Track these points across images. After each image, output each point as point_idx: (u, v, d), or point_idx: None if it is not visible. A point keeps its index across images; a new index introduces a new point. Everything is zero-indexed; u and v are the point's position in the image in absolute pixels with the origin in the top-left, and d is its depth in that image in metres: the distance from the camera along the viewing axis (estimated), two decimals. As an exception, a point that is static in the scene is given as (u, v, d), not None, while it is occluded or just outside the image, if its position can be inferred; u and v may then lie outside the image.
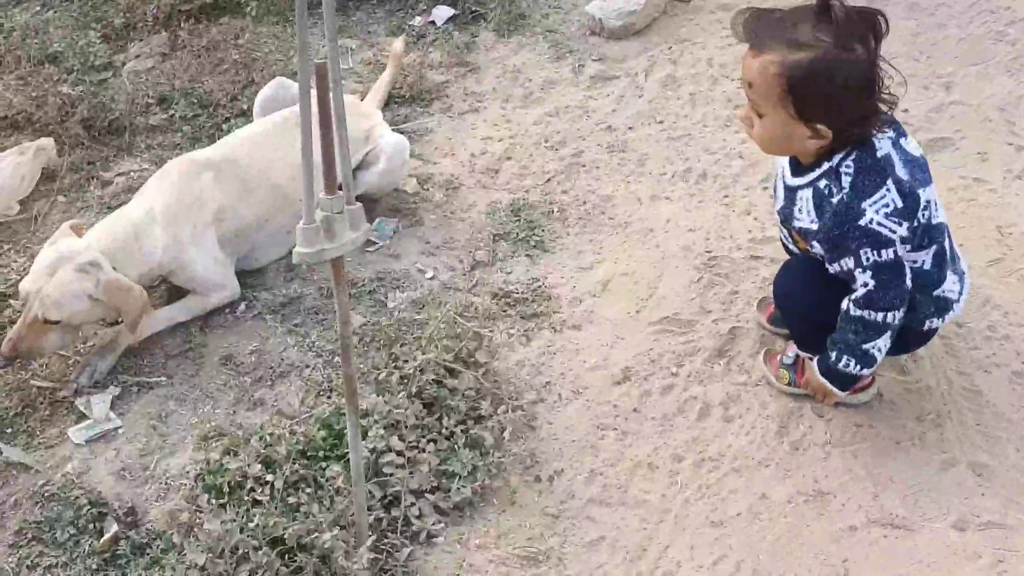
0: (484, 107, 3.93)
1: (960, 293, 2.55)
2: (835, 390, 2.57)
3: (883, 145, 2.32)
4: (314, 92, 2.01)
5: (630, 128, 3.79)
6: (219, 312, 3.13)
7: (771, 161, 3.55)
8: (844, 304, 2.41)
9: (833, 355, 2.48)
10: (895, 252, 2.31)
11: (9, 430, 2.80)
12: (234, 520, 2.38)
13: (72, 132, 3.72)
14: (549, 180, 3.58)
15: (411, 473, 2.52)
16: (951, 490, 2.56)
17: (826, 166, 2.34)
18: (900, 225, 2.29)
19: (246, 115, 3.79)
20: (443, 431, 2.64)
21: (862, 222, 2.28)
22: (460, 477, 2.55)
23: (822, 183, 2.35)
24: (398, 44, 3.93)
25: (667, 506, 2.56)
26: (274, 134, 3.23)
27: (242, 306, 3.15)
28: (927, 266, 2.45)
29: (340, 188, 2.08)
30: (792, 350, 2.80)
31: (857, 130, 2.28)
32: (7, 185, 3.46)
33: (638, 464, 2.65)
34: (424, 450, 2.57)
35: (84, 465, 2.71)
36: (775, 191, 2.59)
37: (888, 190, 2.29)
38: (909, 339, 2.56)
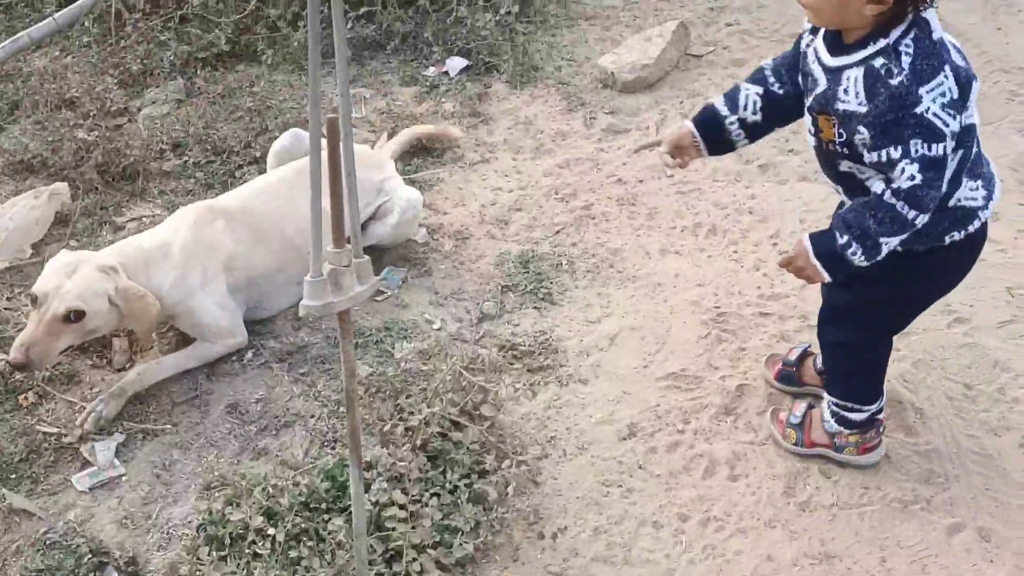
0: (495, 158, 3.95)
1: (988, 199, 2.36)
2: (824, 272, 2.31)
3: (937, 27, 2.14)
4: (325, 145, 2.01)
5: (640, 181, 3.80)
6: (226, 360, 3.13)
7: (772, 176, 3.56)
8: (877, 188, 2.19)
9: (844, 238, 2.24)
10: (944, 148, 2.12)
11: (13, 476, 2.80)
12: (234, 573, 2.37)
13: (86, 177, 3.75)
14: (559, 232, 3.58)
15: (413, 527, 2.50)
16: (959, 556, 2.53)
17: (882, 43, 2.12)
18: (954, 119, 2.12)
19: (259, 162, 3.81)
20: (447, 485, 2.62)
21: (918, 110, 2.09)
22: (463, 532, 2.52)
23: (878, 62, 2.12)
24: (455, 131, 3.96)
25: (672, 566, 2.53)
26: (288, 185, 3.24)
27: (249, 354, 3.15)
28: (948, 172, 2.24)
29: (349, 241, 2.08)
30: (799, 409, 2.78)
31: None
32: (20, 228, 3.49)
33: (643, 522, 2.62)
34: (427, 504, 2.55)
35: (87, 512, 2.70)
36: (803, 79, 2.35)
37: (946, 77, 2.11)
38: (937, 260, 2.38)
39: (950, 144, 2.12)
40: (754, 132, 2.51)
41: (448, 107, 4.17)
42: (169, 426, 2.94)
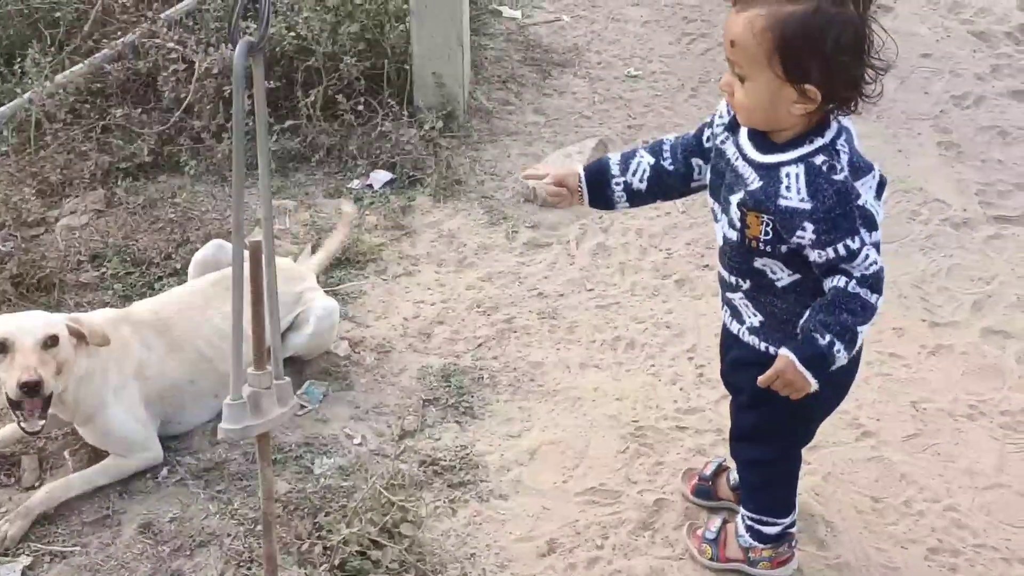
0: (418, 270, 3.99)
1: None
2: (813, 381, 2.27)
3: (857, 136, 2.25)
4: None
5: (561, 295, 3.86)
6: (139, 476, 3.08)
7: (688, 287, 3.64)
8: (839, 283, 2.22)
9: (826, 338, 2.22)
10: (878, 234, 2.22)
11: (-87, 599, 2.72)
12: None
13: (0, 288, 3.70)
14: (480, 345, 3.61)
15: (330, 650, 2.47)
16: (874, 671, 2.56)
17: (820, 142, 2.19)
18: (880, 210, 2.23)
19: (179, 274, 3.81)
20: (364, 606, 2.60)
21: (860, 202, 2.18)
22: (381, 655, 2.50)
23: (818, 159, 2.18)
24: (347, 206, 4.01)
25: None
26: (203, 296, 3.25)
27: (164, 471, 3.10)
28: None
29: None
30: (715, 524, 2.82)
31: (847, 94, 2.16)
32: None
33: (562, 641, 2.62)
34: (345, 626, 2.53)
35: (-10, 638, 2.63)
36: (714, 174, 2.39)
37: (873, 177, 2.24)
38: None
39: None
40: (634, 199, 2.53)
41: (372, 220, 4.22)
42: (78, 548, 2.87)
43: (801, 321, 2.30)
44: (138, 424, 3.04)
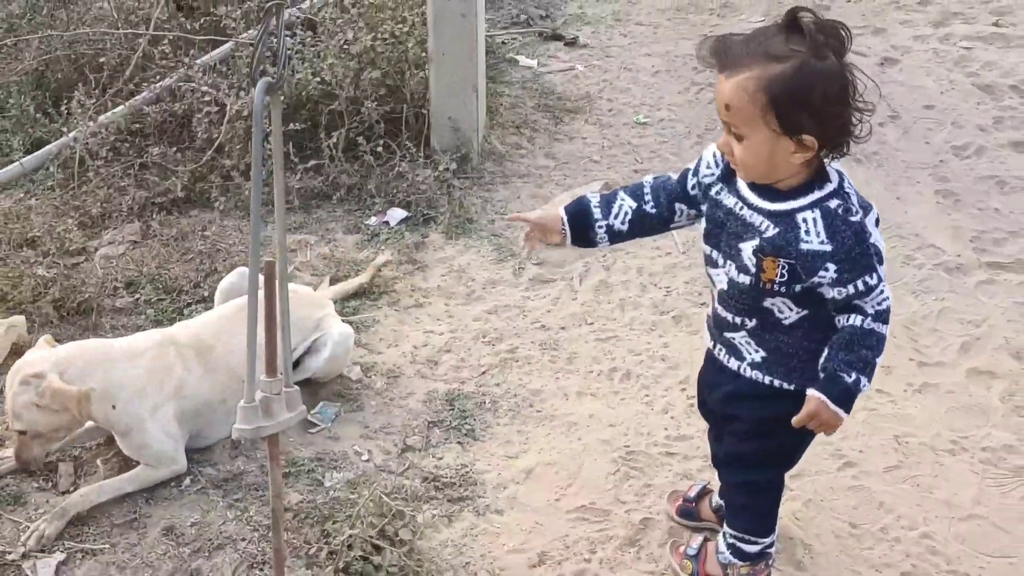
0: (429, 303, 4.24)
1: None
2: (844, 415, 2.44)
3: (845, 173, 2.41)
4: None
5: (563, 328, 4.09)
6: (164, 485, 3.32)
7: (687, 359, 3.85)
8: (855, 321, 2.40)
9: (852, 376, 2.40)
10: (884, 268, 2.39)
11: (-46, 591, 2.96)
12: None
13: (43, 311, 3.98)
14: (484, 373, 3.85)
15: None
16: None
17: (830, 187, 2.35)
18: (882, 243, 2.39)
19: (207, 301, 4.07)
20: (364, 606, 2.82)
21: (871, 240, 2.34)
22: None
23: (833, 203, 2.33)
24: (383, 258, 4.27)
25: None
26: (237, 320, 3.50)
27: (187, 480, 3.34)
28: None
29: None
30: (696, 542, 3.01)
31: (840, 138, 2.30)
32: (-23, 358, 3.70)
33: (548, 644, 2.83)
34: (347, 622, 2.75)
35: (25, 627, 2.87)
36: (713, 224, 2.52)
37: (873, 212, 2.41)
38: None
39: None
40: (615, 238, 2.67)
41: (387, 255, 4.47)
42: (108, 546, 3.11)
43: (822, 361, 2.47)
44: (170, 439, 3.29)
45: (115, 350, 3.31)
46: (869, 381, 2.43)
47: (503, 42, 6.47)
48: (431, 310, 4.20)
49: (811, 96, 2.21)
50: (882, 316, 2.40)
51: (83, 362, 3.21)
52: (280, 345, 2.33)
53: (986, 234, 4.76)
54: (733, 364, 2.65)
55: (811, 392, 2.46)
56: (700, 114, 5.80)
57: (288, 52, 2.27)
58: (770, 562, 2.95)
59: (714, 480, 3.21)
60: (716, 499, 3.12)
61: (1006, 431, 3.60)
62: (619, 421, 3.61)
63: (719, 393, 2.76)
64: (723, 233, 2.51)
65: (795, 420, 2.49)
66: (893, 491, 3.35)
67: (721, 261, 2.54)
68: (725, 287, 2.56)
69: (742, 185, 2.45)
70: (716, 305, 2.65)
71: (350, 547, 2.92)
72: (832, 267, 2.33)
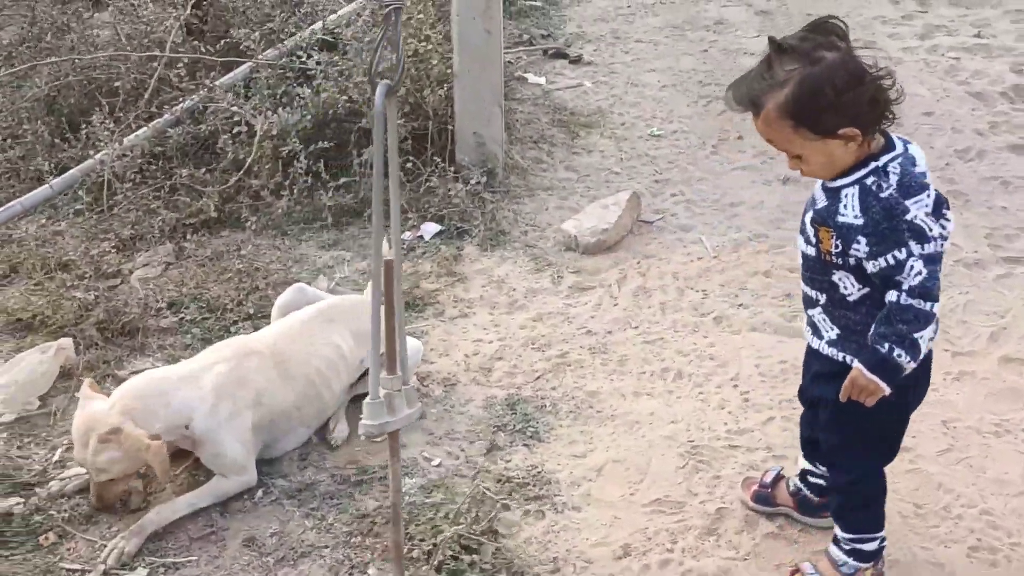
0: (473, 312, 4.28)
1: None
2: (884, 385, 2.54)
3: (923, 164, 2.51)
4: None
5: (609, 332, 4.15)
6: (237, 498, 3.32)
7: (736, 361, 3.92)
8: (892, 297, 2.46)
9: (885, 347, 2.49)
10: (935, 247, 2.42)
11: (41, 612, 2.95)
12: None
13: (86, 334, 3.97)
14: (538, 378, 3.89)
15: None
16: (932, 653, 2.80)
17: (873, 165, 2.45)
18: (936, 224, 2.43)
19: (252, 318, 4.09)
20: (462, 603, 2.84)
21: (908, 216, 2.40)
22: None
23: (869, 180, 2.44)
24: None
25: (674, 670, 2.76)
26: (311, 328, 3.53)
27: (259, 492, 3.35)
28: None
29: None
30: (808, 568, 2.97)
31: (874, 113, 2.40)
32: (28, 382, 3.69)
33: (645, 632, 2.87)
34: (450, 620, 2.77)
35: (119, 641, 2.86)
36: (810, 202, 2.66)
37: (928, 196, 2.44)
38: (922, 367, 2.65)
39: (939, 243, 2.44)
40: None
41: (426, 267, 4.51)
42: (190, 560, 3.11)
43: (869, 334, 2.56)
44: (244, 448, 3.29)
45: (172, 378, 3.30)
46: (908, 354, 2.49)
47: (510, 61, 6.55)
48: (476, 320, 4.24)
49: (824, 99, 2.35)
50: (916, 291, 2.44)
51: (143, 403, 3.19)
52: (398, 343, 2.36)
53: (998, 231, 4.89)
54: (815, 343, 2.75)
55: (854, 362, 2.59)
56: (711, 125, 5.91)
57: (405, 59, 2.32)
58: (884, 557, 2.98)
59: (787, 467, 3.29)
60: (793, 483, 3.18)
61: (1043, 413, 3.71)
62: (679, 418, 3.66)
63: (810, 375, 2.86)
64: (806, 209, 2.66)
65: (841, 394, 2.61)
66: (948, 472, 3.42)
67: (799, 236, 2.70)
68: (801, 260, 2.71)
69: None
70: (802, 283, 2.77)
71: (436, 546, 2.95)
72: (863, 240, 2.44)
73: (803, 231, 2.65)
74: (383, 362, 2.35)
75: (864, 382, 2.55)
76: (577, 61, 6.74)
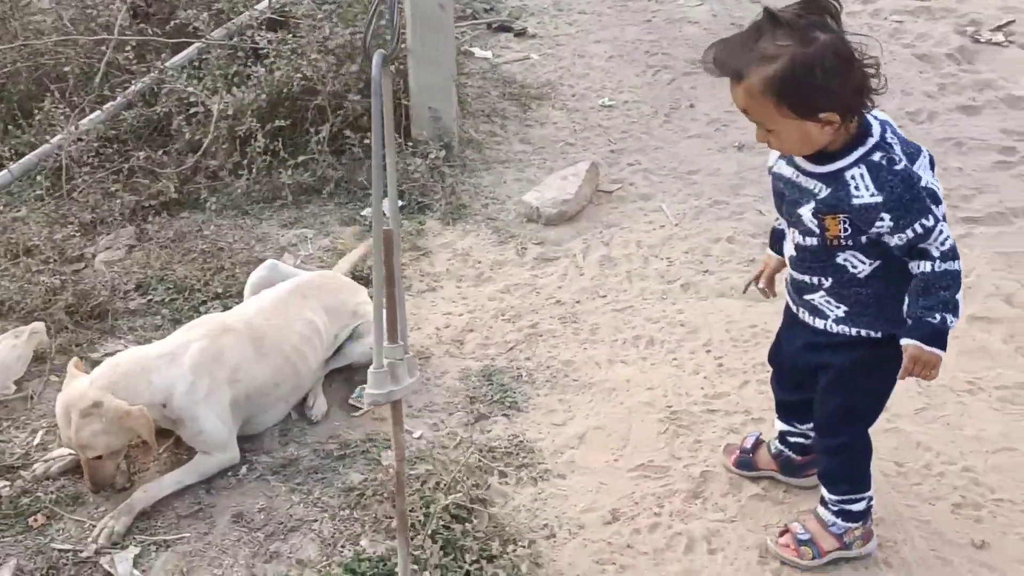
0: (441, 286, 4.29)
1: None
2: (942, 352, 2.56)
3: (894, 125, 2.53)
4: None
5: (577, 302, 4.18)
6: (222, 475, 3.30)
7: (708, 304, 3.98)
8: (926, 268, 2.49)
9: (938, 317, 2.51)
10: (943, 206, 2.47)
11: (36, 593, 2.92)
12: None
13: (56, 318, 3.91)
14: (511, 348, 3.91)
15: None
16: (920, 606, 2.88)
17: (871, 141, 2.44)
18: (938, 184, 2.48)
19: (221, 298, 4.06)
20: (459, 570, 2.86)
21: (923, 183, 2.43)
22: (482, 611, 2.76)
23: (876, 156, 2.43)
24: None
25: (670, 629, 2.82)
26: (285, 302, 3.53)
27: (243, 469, 3.34)
28: None
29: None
30: (798, 528, 3.01)
31: (857, 101, 2.38)
32: (3, 366, 3.63)
33: (640, 594, 2.92)
34: (446, 588, 2.79)
35: (115, 622, 2.84)
36: (778, 197, 2.68)
37: (924, 156, 2.50)
38: None
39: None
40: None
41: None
42: (180, 537, 3.10)
43: (905, 310, 2.57)
44: (225, 425, 3.28)
45: (151, 356, 3.27)
46: (956, 316, 2.54)
47: (455, 36, 6.52)
48: (444, 293, 4.25)
49: (812, 81, 2.32)
50: (948, 255, 2.49)
51: (126, 379, 3.18)
52: (399, 312, 2.37)
53: (955, 191, 4.97)
54: (819, 323, 2.75)
55: (905, 342, 2.57)
56: (661, 94, 5.96)
57: (400, 25, 2.32)
58: (872, 516, 3.03)
59: (767, 432, 3.35)
60: (775, 446, 3.24)
61: (1014, 370, 3.79)
62: (655, 384, 3.71)
63: (803, 343, 2.84)
64: (783, 203, 2.66)
65: (900, 373, 2.62)
66: (926, 431, 3.50)
67: (787, 229, 2.71)
68: (794, 253, 2.70)
69: (794, 156, 2.58)
70: (790, 271, 2.78)
71: (428, 515, 2.97)
72: (887, 216, 2.43)
73: (796, 224, 2.61)
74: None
75: (927, 357, 2.56)
76: (522, 34, 6.75)
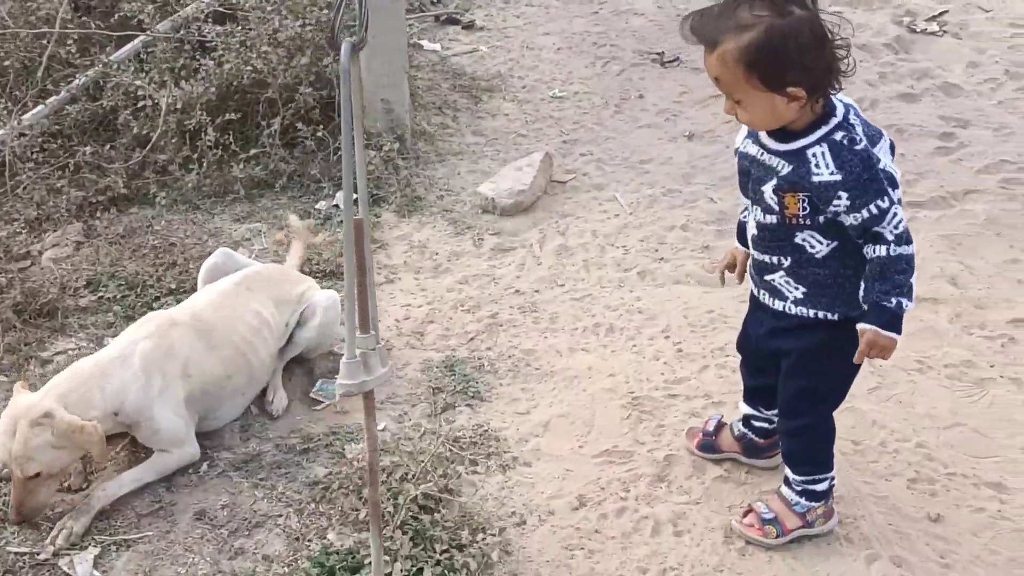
0: (399, 278, 4.26)
1: None
2: (897, 336, 2.60)
3: (858, 109, 2.56)
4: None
5: (536, 291, 4.18)
6: (182, 472, 3.26)
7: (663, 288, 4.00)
8: (880, 252, 2.52)
9: (893, 301, 2.55)
10: (901, 191, 2.53)
11: (-7, 597, 2.86)
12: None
13: (3, 316, 3.83)
14: (472, 339, 3.90)
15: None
16: (881, 580, 2.92)
17: (834, 121, 2.49)
18: (896, 169, 2.53)
19: (175, 293, 4.01)
20: (429, 560, 2.85)
21: (881, 165, 2.47)
22: (453, 600, 2.75)
23: (838, 135, 2.47)
24: (294, 221, 4.28)
25: (641, 612, 2.83)
26: (234, 296, 3.48)
27: (204, 465, 3.29)
28: None
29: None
30: (762, 507, 3.03)
31: (826, 79, 2.43)
32: (-50, 367, 3.55)
33: (608, 578, 2.92)
34: (418, 577, 2.78)
35: (76, 623, 2.79)
36: (744, 176, 2.70)
37: (884, 140, 2.53)
38: None
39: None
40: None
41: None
42: (141, 536, 3.05)
43: (861, 295, 2.61)
44: (180, 420, 3.23)
45: (102, 362, 3.19)
46: (910, 300, 2.59)
47: (404, 28, 6.51)
48: (402, 285, 4.23)
49: (785, 53, 2.36)
50: (902, 239, 2.53)
51: (79, 390, 3.09)
52: (370, 302, 2.35)
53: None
54: (778, 305, 2.78)
55: (861, 326, 2.62)
56: (611, 85, 5.98)
57: (368, 13, 2.30)
58: (833, 494, 3.06)
59: (728, 415, 3.37)
60: (738, 428, 3.26)
61: (960, 348, 3.85)
62: (616, 371, 3.71)
63: (765, 329, 2.87)
64: (749, 181, 2.68)
65: (856, 357, 2.66)
66: (880, 409, 3.54)
67: (751, 207, 2.72)
68: (755, 231, 2.73)
69: (763, 133, 2.61)
70: (752, 251, 2.80)
71: (397, 507, 2.95)
72: (844, 195, 2.47)
73: (759, 202, 2.64)
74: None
75: (884, 341, 2.61)
76: (470, 27, 6.73)
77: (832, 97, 2.52)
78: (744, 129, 2.69)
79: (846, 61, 2.47)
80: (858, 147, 2.47)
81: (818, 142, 2.50)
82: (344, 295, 2.32)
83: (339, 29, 2.26)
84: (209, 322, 3.39)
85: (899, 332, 2.62)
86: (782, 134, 2.55)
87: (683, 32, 2.48)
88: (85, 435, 2.98)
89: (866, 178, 2.46)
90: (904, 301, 2.57)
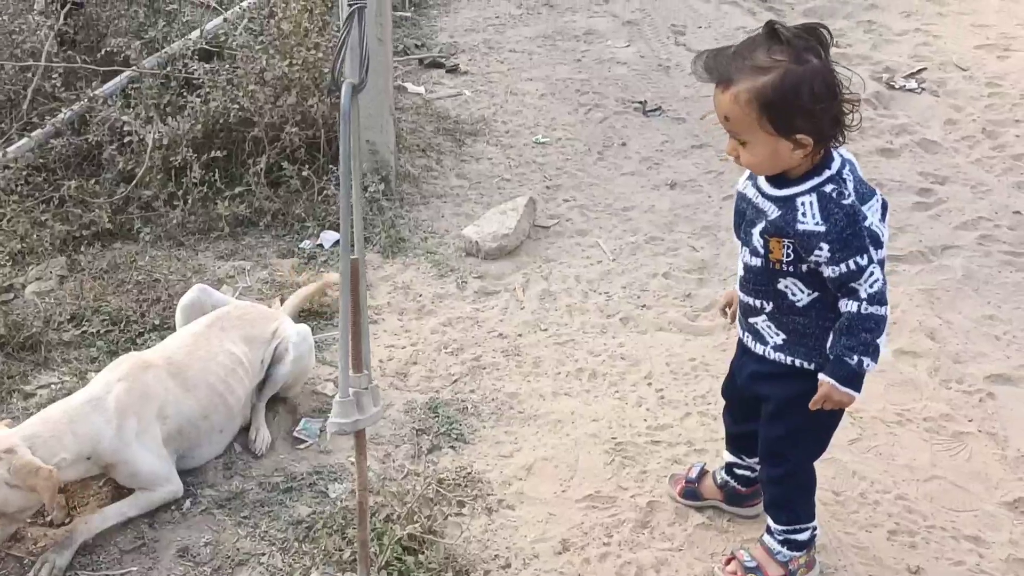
0: (382, 319, 4.27)
1: None
2: (855, 393, 2.63)
3: (859, 168, 2.60)
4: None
5: (519, 335, 4.20)
6: (165, 508, 3.24)
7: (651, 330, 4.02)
8: (852, 307, 2.56)
9: (855, 358, 2.58)
10: (884, 252, 2.56)
11: (-29, 633, 2.83)
12: None
13: (-14, 351, 3.83)
14: (456, 381, 3.91)
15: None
16: (864, 628, 2.94)
17: (828, 173, 2.52)
18: (885, 230, 2.56)
19: (158, 329, 4.00)
20: (413, 602, 2.85)
21: (866, 223, 2.51)
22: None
23: (828, 187, 2.51)
24: (334, 276, 4.27)
25: (624, 658, 2.83)
26: (205, 337, 3.48)
27: (187, 502, 3.28)
28: None
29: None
30: (744, 555, 3.05)
31: (832, 131, 2.48)
32: (-69, 398, 3.52)
33: (592, 623, 2.92)
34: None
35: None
36: (738, 216, 2.75)
37: (876, 200, 2.57)
38: None
39: (885, 248, 2.58)
40: None
41: (332, 276, 4.47)
42: (131, 569, 3.03)
43: (828, 345, 2.65)
44: (161, 460, 3.22)
45: (75, 404, 3.17)
46: (874, 360, 2.61)
47: (389, 71, 6.56)
48: (386, 326, 4.24)
49: (799, 99, 2.41)
50: (876, 298, 2.56)
51: (49, 432, 3.05)
52: (364, 342, 2.37)
53: (878, 231, 5.12)
54: (759, 349, 2.81)
55: (821, 376, 2.67)
56: (594, 132, 6.04)
57: (369, 55, 2.33)
58: (816, 544, 3.08)
59: (710, 462, 3.39)
60: (720, 476, 3.28)
61: (939, 402, 3.89)
62: (600, 416, 3.73)
63: (747, 372, 2.90)
64: (743, 222, 2.73)
65: (811, 403, 2.69)
66: (861, 460, 3.57)
67: (740, 248, 2.76)
68: (743, 272, 2.77)
69: (761, 177, 2.66)
70: (739, 293, 2.83)
71: (382, 548, 2.95)
72: (825, 246, 2.51)
73: (747, 243, 2.69)
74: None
75: (839, 396, 2.65)
76: (454, 71, 6.79)
77: (833, 150, 2.58)
78: (747, 171, 2.74)
79: (852, 116, 2.52)
80: (845, 201, 2.51)
81: (808, 192, 2.54)
82: (339, 334, 2.32)
83: (339, 71, 2.29)
84: (182, 364, 3.39)
85: (857, 390, 2.65)
86: (777, 179, 2.60)
87: (695, 69, 2.53)
88: (39, 478, 2.91)
89: (849, 233, 2.50)
90: (866, 360, 2.60)
